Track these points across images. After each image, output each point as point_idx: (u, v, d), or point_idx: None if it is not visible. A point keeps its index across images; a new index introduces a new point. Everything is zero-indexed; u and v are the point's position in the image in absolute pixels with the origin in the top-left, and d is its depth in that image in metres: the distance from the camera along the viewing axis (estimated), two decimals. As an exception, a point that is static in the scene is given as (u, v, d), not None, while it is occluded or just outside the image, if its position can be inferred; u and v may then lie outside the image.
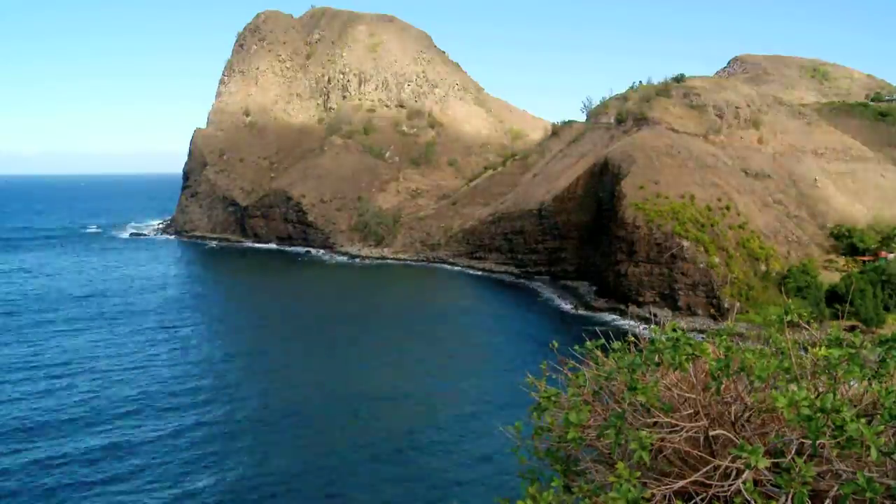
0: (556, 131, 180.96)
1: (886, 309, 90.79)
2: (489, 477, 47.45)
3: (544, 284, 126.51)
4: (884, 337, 4.73)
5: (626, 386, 4.61)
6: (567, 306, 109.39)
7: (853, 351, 4.47)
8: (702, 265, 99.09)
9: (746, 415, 4.54)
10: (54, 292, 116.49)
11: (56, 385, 68.02)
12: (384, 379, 71.69)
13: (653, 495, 4.17)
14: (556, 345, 5.96)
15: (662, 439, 4.43)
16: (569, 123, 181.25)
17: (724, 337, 5.03)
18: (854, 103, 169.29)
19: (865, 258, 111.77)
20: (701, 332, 77.99)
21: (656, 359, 4.84)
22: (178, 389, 68.43)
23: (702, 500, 4.14)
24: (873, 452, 3.60)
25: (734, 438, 4.36)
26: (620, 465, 4.18)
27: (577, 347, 5.77)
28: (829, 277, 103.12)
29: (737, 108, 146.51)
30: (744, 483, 3.88)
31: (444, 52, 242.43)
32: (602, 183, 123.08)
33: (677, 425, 4.47)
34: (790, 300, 5.83)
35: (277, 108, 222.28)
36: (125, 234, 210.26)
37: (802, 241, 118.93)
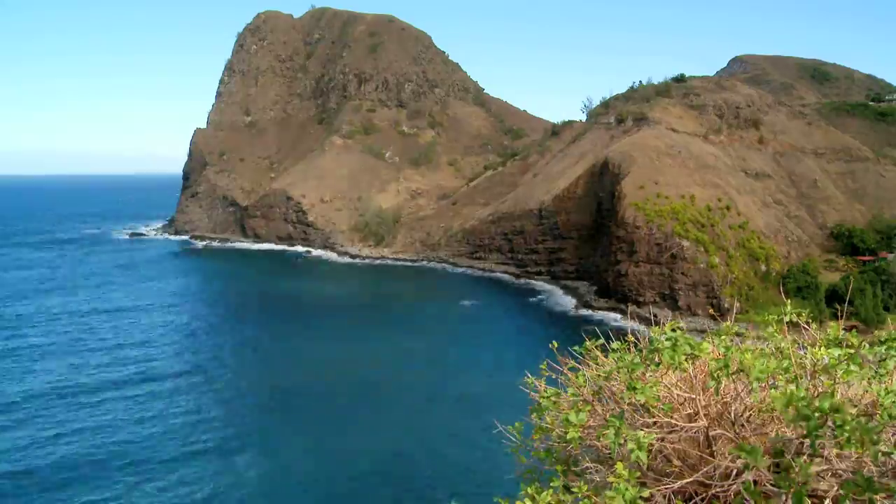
0: (556, 131, 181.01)
1: (886, 309, 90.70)
2: (489, 476, 47.43)
3: (544, 284, 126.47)
4: (883, 337, 4.73)
5: (625, 386, 4.61)
6: (567, 306, 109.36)
7: (853, 351, 4.47)
8: (702, 265, 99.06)
9: (746, 415, 4.54)
10: (52, 295, 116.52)
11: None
12: (383, 379, 71.68)
13: (652, 495, 4.17)
14: (556, 345, 5.95)
15: (662, 439, 4.43)
16: (569, 123, 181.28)
17: (724, 337, 5.03)
18: (854, 103, 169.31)
19: (865, 258, 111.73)
20: (701, 332, 77.90)
21: (656, 359, 4.84)
22: (182, 393, 68.51)
23: (702, 499, 4.14)
24: (872, 452, 3.60)
25: (734, 438, 4.36)
26: (620, 465, 4.18)
27: (576, 347, 5.77)
28: (829, 277, 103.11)
29: (737, 108, 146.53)
30: (743, 483, 3.88)
31: (444, 52, 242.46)
32: (602, 183, 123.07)
33: (677, 425, 4.47)
34: (790, 300, 5.83)
35: (277, 108, 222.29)
36: (125, 235, 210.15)
37: (802, 241, 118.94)
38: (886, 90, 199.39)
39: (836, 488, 3.81)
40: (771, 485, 3.96)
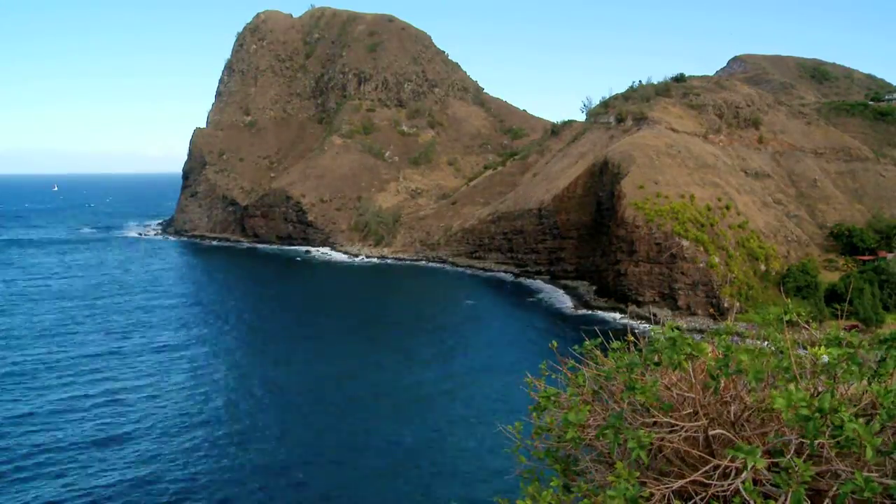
0: (555, 131, 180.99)
1: (886, 308, 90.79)
2: (488, 476, 47.44)
3: (544, 284, 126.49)
4: (883, 336, 4.73)
5: (625, 385, 4.61)
6: (567, 306, 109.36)
7: (852, 351, 4.46)
8: (701, 265, 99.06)
9: (745, 414, 4.54)
10: (54, 297, 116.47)
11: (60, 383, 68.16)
12: (384, 379, 71.69)
13: (652, 495, 4.18)
14: (555, 345, 5.96)
15: (661, 439, 4.44)
16: (569, 123, 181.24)
17: (724, 336, 5.03)
18: (854, 103, 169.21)
19: (865, 258, 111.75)
20: (700, 331, 78.09)
21: (655, 358, 4.84)
22: (185, 392, 68.49)
23: (701, 499, 4.15)
24: (871, 452, 3.60)
25: (733, 438, 4.36)
26: (619, 464, 4.18)
27: (576, 347, 5.77)
28: (829, 277, 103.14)
29: (737, 108, 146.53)
30: (743, 482, 3.88)
31: (443, 52, 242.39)
32: (602, 183, 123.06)
33: (676, 425, 4.47)
34: (790, 300, 5.83)
35: (277, 107, 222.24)
36: (125, 235, 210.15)
37: (802, 241, 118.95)
38: (886, 90, 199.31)
39: (834, 488, 3.81)
40: (771, 485, 3.96)
